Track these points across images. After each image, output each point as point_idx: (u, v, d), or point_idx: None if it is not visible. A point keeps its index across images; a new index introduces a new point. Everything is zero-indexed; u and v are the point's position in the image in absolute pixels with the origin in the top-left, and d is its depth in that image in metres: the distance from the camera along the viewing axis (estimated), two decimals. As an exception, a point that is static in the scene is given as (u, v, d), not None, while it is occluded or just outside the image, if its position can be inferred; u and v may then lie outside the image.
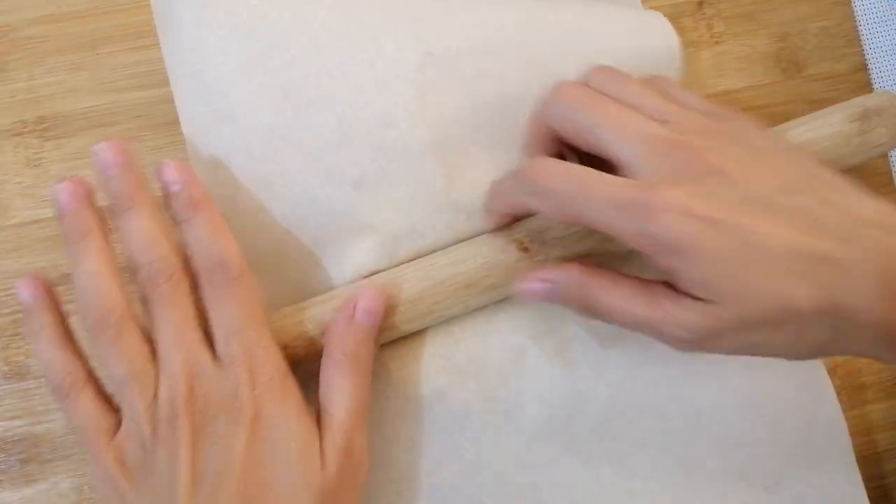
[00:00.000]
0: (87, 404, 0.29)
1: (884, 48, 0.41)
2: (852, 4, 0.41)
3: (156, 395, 0.28)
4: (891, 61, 0.41)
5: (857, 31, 0.41)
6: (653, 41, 0.36)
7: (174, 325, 0.28)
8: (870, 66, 0.41)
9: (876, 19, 0.41)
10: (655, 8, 0.39)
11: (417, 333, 0.34)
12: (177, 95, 0.34)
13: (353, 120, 0.33)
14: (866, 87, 0.41)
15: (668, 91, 0.30)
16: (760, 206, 0.25)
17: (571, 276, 0.29)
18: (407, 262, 0.34)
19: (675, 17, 0.40)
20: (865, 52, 0.41)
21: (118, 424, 0.29)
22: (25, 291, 0.30)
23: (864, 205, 0.26)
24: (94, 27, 0.37)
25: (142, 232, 0.29)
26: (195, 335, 0.29)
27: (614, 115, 0.28)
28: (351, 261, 0.34)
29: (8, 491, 0.35)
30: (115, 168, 0.29)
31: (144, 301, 0.29)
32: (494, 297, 0.33)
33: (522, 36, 0.34)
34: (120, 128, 0.37)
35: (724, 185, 0.26)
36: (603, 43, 0.35)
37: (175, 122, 0.36)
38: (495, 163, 0.34)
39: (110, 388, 0.29)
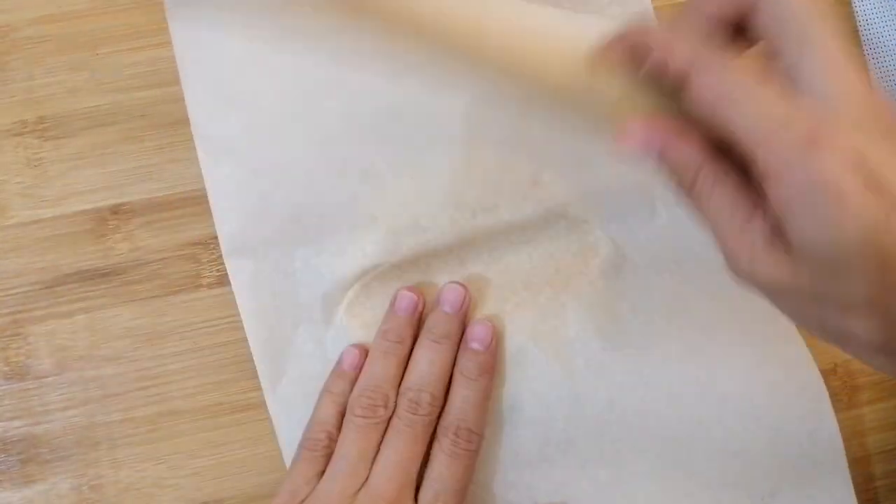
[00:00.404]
0: None
1: (884, 48, 0.41)
2: (852, 4, 0.41)
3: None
4: (891, 61, 0.41)
5: (857, 31, 0.41)
6: None
7: (403, 456, 0.31)
8: (870, 66, 0.41)
9: (876, 19, 0.41)
10: (656, 8, 0.39)
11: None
12: (184, 86, 0.34)
13: (358, 111, 0.33)
14: (866, 87, 0.40)
15: None
16: None
17: (683, 154, 0.25)
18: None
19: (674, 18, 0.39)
20: (865, 52, 0.41)
21: None
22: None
23: None
24: (94, 27, 0.37)
25: (434, 364, 0.33)
26: (411, 475, 0.31)
27: (820, 21, 0.23)
28: (352, 252, 0.34)
29: (8, 491, 0.35)
30: (454, 311, 0.34)
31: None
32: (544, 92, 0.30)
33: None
34: (120, 128, 0.37)
35: None
36: None
37: (176, 121, 0.36)
38: (501, 160, 0.34)
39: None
